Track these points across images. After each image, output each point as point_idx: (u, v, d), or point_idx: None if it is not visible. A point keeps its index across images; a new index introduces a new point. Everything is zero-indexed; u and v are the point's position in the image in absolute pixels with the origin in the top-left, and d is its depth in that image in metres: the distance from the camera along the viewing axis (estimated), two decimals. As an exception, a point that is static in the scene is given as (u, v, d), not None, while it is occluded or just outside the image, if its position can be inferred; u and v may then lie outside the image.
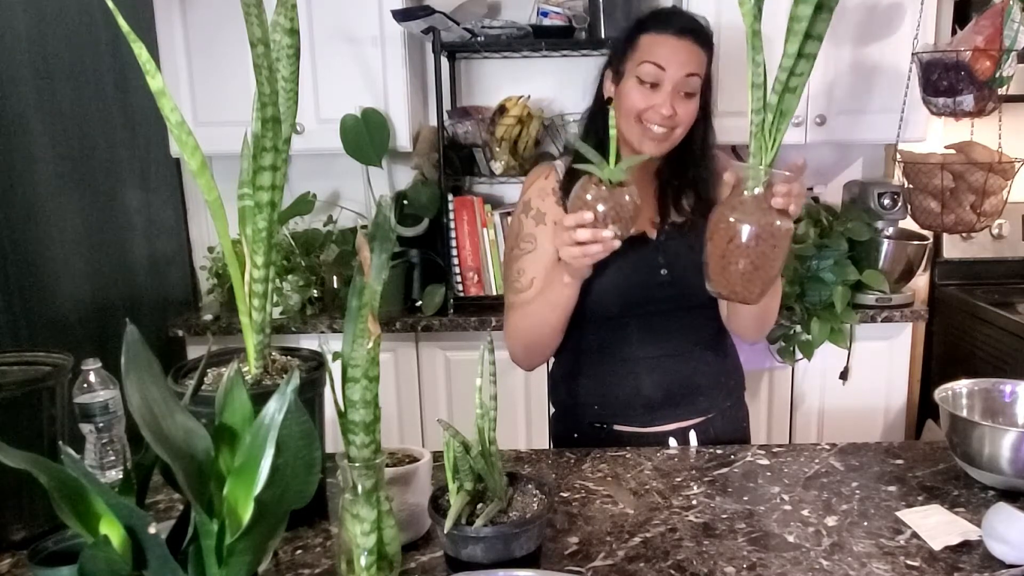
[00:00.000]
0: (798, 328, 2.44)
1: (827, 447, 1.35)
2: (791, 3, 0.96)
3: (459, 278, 2.59)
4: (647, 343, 1.42)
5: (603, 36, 2.43)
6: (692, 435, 1.45)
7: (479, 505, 0.97)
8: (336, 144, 2.49)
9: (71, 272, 2.18)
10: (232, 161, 1.12)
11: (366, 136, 2.50)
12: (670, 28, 1.31)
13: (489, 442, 0.97)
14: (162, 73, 1.18)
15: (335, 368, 0.80)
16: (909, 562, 1.01)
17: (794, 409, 2.61)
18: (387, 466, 1.00)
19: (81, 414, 1.05)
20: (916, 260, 2.54)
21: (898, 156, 2.49)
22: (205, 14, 2.47)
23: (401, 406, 2.57)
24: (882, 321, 2.49)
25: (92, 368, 1.06)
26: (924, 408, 2.86)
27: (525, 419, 2.58)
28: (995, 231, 2.76)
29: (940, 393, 1.28)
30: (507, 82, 2.76)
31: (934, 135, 2.64)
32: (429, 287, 2.55)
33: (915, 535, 1.07)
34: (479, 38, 2.47)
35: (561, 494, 1.20)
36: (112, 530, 0.67)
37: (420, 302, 2.55)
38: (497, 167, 2.57)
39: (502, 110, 2.52)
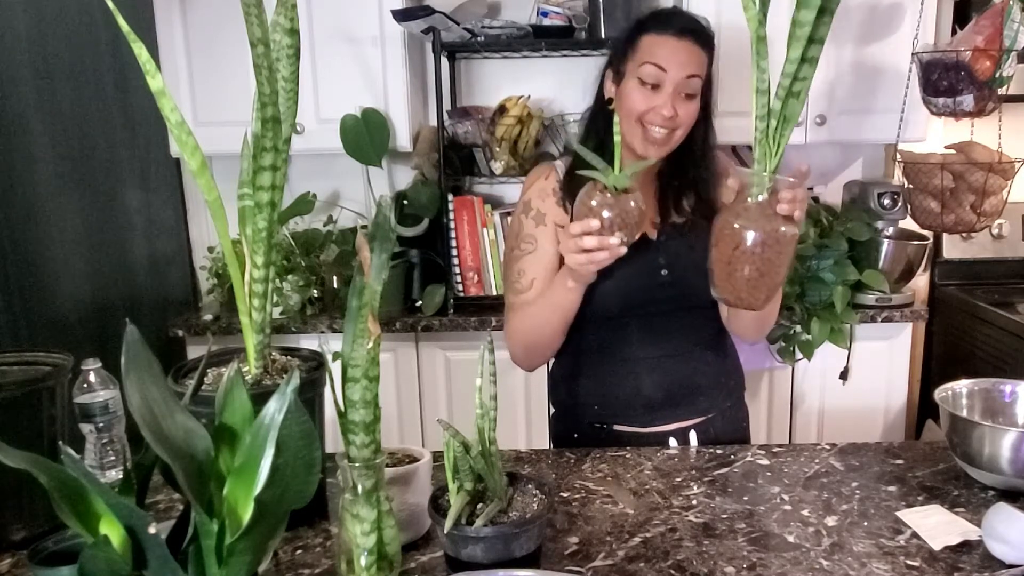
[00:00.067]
0: (798, 328, 2.44)
1: (827, 447, 1.35)
2: (792, 6, 0.96)
3: (459, 278, 2.59)
4: (647, 343, 1.42)
5: (603, 36, 2.43)
6: (692, 435, 1.45)
7: (479, 505, 0.97)
8: (336, 144, 2.49)
9: (71, 272, 2.18)
10: (232, 161, 1.12)
11: (366, 136, 2.50)
12: (671, 29, 1.31)
13: (489, 442, 0.97)
14: (162, 73, 1.18)
15: (335, 368, 0.80)
16: (909, 562, 1.01)
17: (794, 409, 2.61)
18: (387, 466, 1.00)
19: (81, 414, 1.05)
20: (916, 260, 2.54)
21: (898, 156, 2.49)
22: (205, 14, 2.47)
23: (401, 406, 2.57)
24: (882, 321, 2.49)
25: (92, 368, 1.06)
26: (924, 408, 2.86)
27: (525, 419, 2.58)
28: (995, 231, 2.76)
29: (940, 393, 1.28)
30: (507, 82, 2.76)
31: (934, 135, 2.64)
32: (429, 287, 2.55)
33: (915, 535, 1.07)
34: (479, 38, 2.47)
35: (561, 494, 1.20)
36: (112, 530, 0.67)
37: (420, 302, 2.55)
38: (497, 167, 2.57)
39: (502, 110, 2.52)
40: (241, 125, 1.01)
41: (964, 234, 2.66)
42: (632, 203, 1.13)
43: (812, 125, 2.52)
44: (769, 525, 1.10)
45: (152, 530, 0.67)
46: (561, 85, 2.74)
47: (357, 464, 0.79)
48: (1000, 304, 2.50)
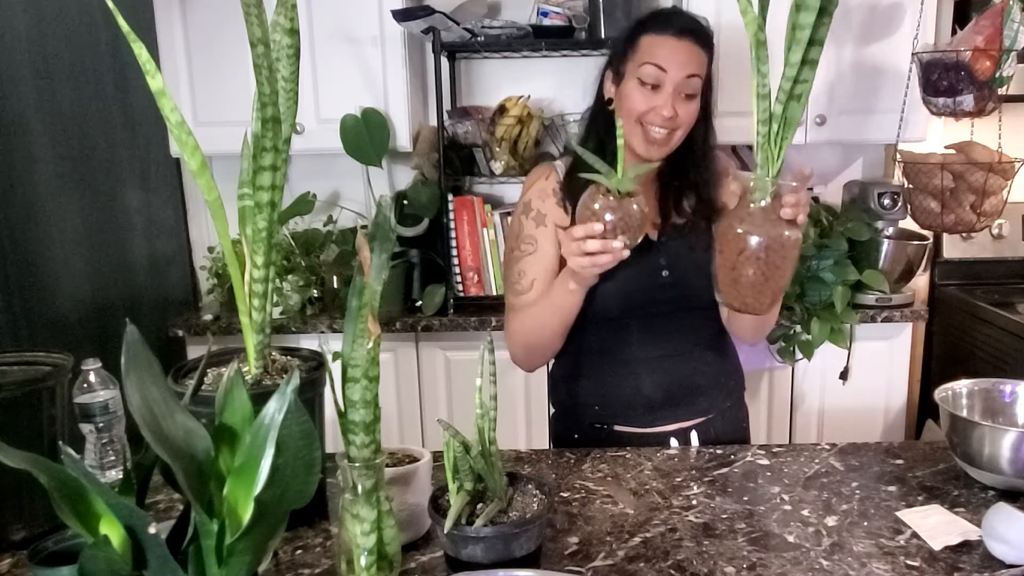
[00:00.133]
0: (798, 328, 2.44)
1: (827, 447, 1.35)
2: (790, 7, 0.96)
3: (459, 278, 2.59)
4: (647, 344, 1.42)
5: (603, 36, 2.43)
6: (693, 435, 1.45)
7: (479, 505, 0.97)
8: (336, 144, 2.49)
9: (71, 272, 2.18)
10: (232, 161, 1.12)
11: (366, 136, 2.50)
12: (670, 29, 1.31)
13: (489, 442, 0.97)
14: (162, 73, 1.18)
15: (335, 368, 0.80)
16: (909, 562, 1.01)
17: (794, 409, 2.61)
18: (387, 466, 1.00)
19: (81, 414, 1.05)
20: (916, 260, 2.54)
21: (898, 156, 2.49)
22: (205, 14, 2.47)
23: (401, 406, 2.57)
24: (882, 321, 2.49)
25: (92, 368, 1.06)
26: (924, 408, 2.86)
27: (525, 419, 2.58)
28: (995, 231, 2.76)
29: (940, 393, 1.28)
30: (507, 82, 2.76)
31: (934, 135, 2.64)
32: (429, 287, 2.55)
33: (915, 535, 1.07)
34: (479, 38, 2.47)
35: (561, 494, 1.20)
36: (112, 530, 0.67)
37: (420, 302, 2.55)
38: (497, 167, 2.57)
39: (502, 110, 2.52)
40: (241, 125, 1.01)
41: (964, 234, 2.66)
42: (635, 206, 1.13)
43: (812, 125, 2.52)
44: (769, 525, 1.10)
45: (152, 530, 0.67)
46: (561, 85, 2.74)
47: (357, 464, 0.79)
48: (1000, 304, 2.50)
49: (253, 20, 0.89)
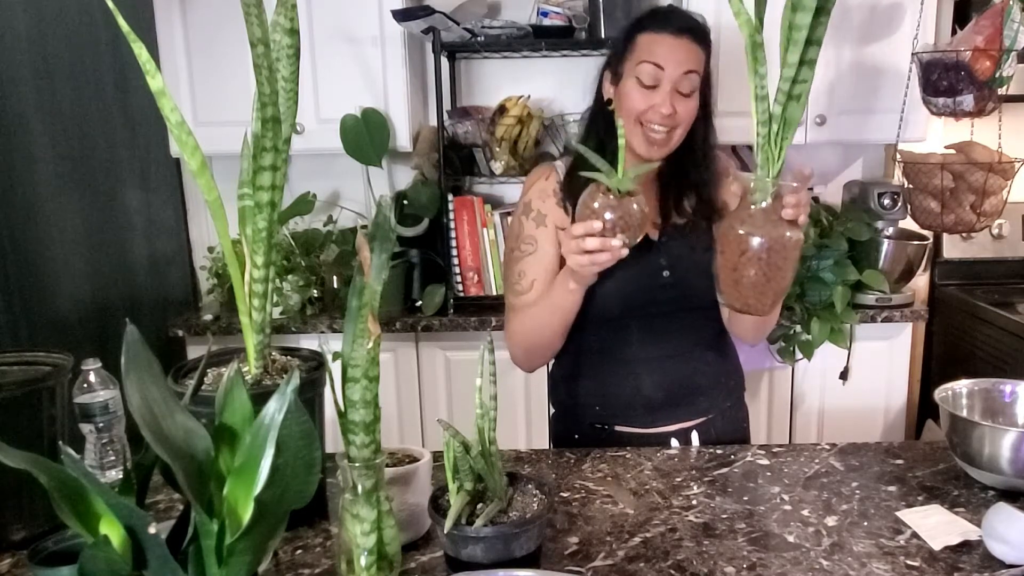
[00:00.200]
0: (798, 328, 2.44)
1: (827, 447, 1.35)
2: (784, 7, 0.95)
3: (459, 278, 2.59)
4: (648, 344, 1.42)
5: (603, 36, 2.43)
6: (694, 436, 1.45)
7: (479, 505, 0.97)
8: (336, 144, 2.49)
9: (71, 272, 2.18)
10: (232, 161, 1.12)
11: (366, 136, 2.50)
12: (667, 27, 1.31)
13: (489, 442, 0.97)
14: (162, 73, 1.18)
15: (335, 368, 0.80)
16: (909, 562, 1.01)
17: (794, 409, 2.61)
18: (387, 466, 1.00)
19: (81, 414, 1.05)
20: (916, 260, 2.54)
21: (898, 156, 2.49)
22: (205, 14, 2.47)
23: (401, 406, 2.57)
24: (882, 321, 2.49)
25: (92, 368, 1.06)
26: (924, 408, 2.86)
27: (525, 419, 2.58)
28: (995, 231, 2.76)
29: (940, 393, 1.28)
30: (507, 82, 2.76)
31: (934, 135, 2.64)
32: (429, 287, 2.55)
33: (915, 535, 1.07)
34: (479, 38, 2.47)
35: (561, 494, 1.20)
36: (112, 530, 0.67)
37: (420, 302, 2.55)
38: (497, 167, 2.57)
39: (502, 110, 2.52)
40: (241, 125, 1.01)
41: (964, 234, 2.66)
42: (635, 205, 1.13)
43: (812, 125, 2.52)
44: (769, 525, 1.10)
45: (152, 530, 0.67)
46: (561, 85, 2.74)
47: (357, 464, 0.79)
48: (1000, 304, 2.50)
49: (253, 20, 0.89)
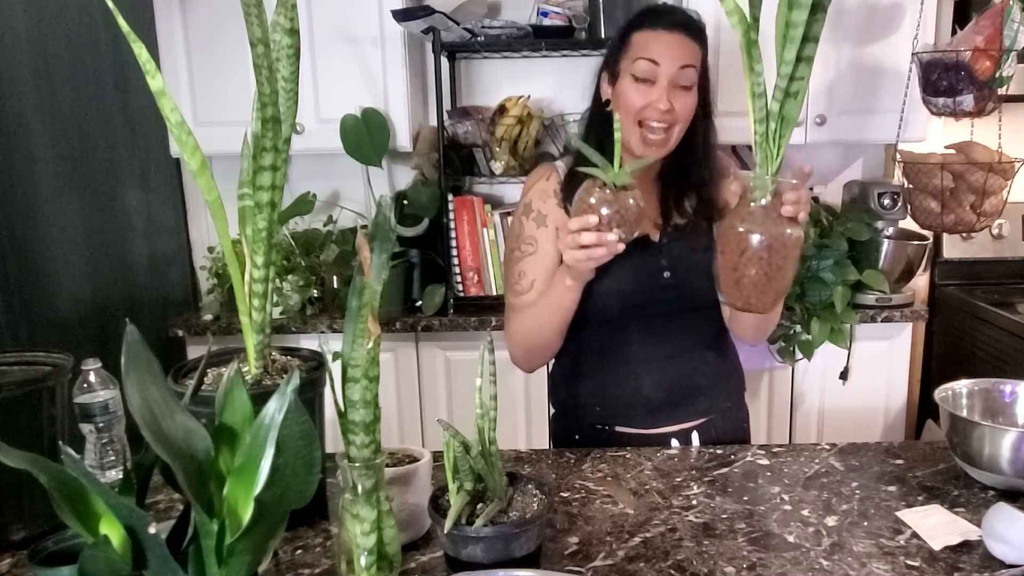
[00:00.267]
0: (798, 328, 2.44)
1: (827, 447, 1.35)
2: (779, 3, 0.95)
3: (459, 278, 2.59)
4: (648, 344, 1.42)
5: (603, 36, 2.43)
6: (694, 436, 1.45)
7: (479, 505, 0.97)
8: (336, 144, 2.49)
9: (71, 272, 2.18)
10: (232, 161, 1.12)
11: (366, 136, 2.50)
12: (661, 24, 1.31)
13: (489, 442, 0.97)
14: (162, 73, 1.18)
15: (335, 368, 0.80)
16: (909, 562, 1.01)
17: (794, 409, 2.61)
18: (387, 466, 1.00)
19: (81, 414, 1.05)
20: (916, 260, 2.54)
21: (898, 156, 2.49)
22: (205, 14, 2.47)
23: (401, 406, 2.57)
24: (882, 321, 2.49)
25: (92, 368, 1.06)
26: (924, 408, 2.86)
27: (525, 419, 2.58)
28: (995, 231, 2.76)
29: (940, 393, 1.28)
30: (507, 82, 2.76)
31: (934, 135, 2.64)
32: (429, 287, 2.55)
33: (915, 535, 1.07)
34: (479, 38, 2.47)
35: (561, 494, 1.20)
36: (112, 530, 0.67)
37: (420, 302, 2.55)
38: (497, 167, 2.57)
39: (502, 110, 2.52)
40: (241, 125, 1.01)
41: (964, 234, 2.66)
42: (631, 200, 1.13)
43: (812, 125, 2.52)
44: (769, 525, 1.10)
45: (152, 530, 0.67)
46: (561, 85, 2.74)
47: (357, 464, 0.79)
48: (1000, 304, 2.50)
49: (253, 20, 0.89)
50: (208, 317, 2.56)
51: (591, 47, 2.49)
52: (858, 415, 2.58)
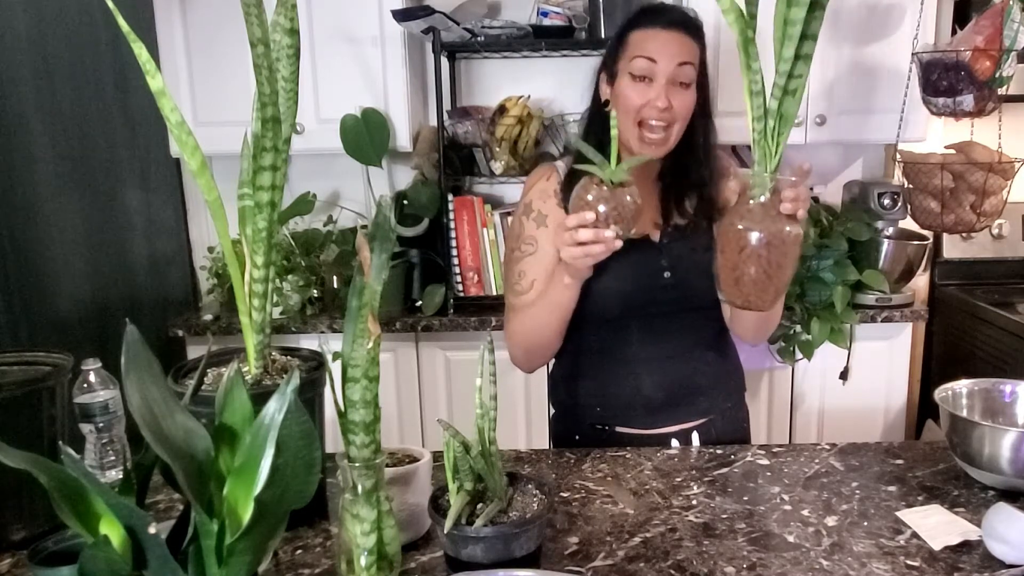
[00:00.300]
0: (798, 328, 2.44)
1: (827, 447, 1.35)
2: (782, 3, 0.95)
3: (459, 278, 2.59)
4: (648, 344, 1.42)
5: (603, 36, 2.43)
6: (695, 437, 1.44)
7: (479, 505, 0.97)
8: (336, 144, 2.49)
9: (71, 272, 2.18)
10: (232, 161, 1.12)
11: (366, 136, 2.50)
12: (658, 22, 1.31)
13: (489, 442, 0.97)
14: (162, 73, 1.18)
15: (335, 368, 0.80)
16: (909, 562, 1.01)
17: (794, 409, 2.61)
18: (387, 466, 1.00)
19: (81, 414, 1.05)
20: (916, 260, 2.54)
21: (898, 156, 2.49)
22: (205, 14, 2.47)
23: (401, 406, 2.57)
24: (882, 321, 2.49)
25: (92, 368, 1.06)
26: (924, 408, 2.86)
27: (525, 419, 2.58)
28: (995, 231, 2.76)
29: (940, 393, 1.28)
30: (507, 82, 2.76)
31: (934, 135, 2.64)
32: (429, 287, 2.55)
33: (915, 535, 1.07)
34: (479, 38, 2.47)
35: (561, 494, 1.20)
36: (112, 530, 0.67)
37: (420, 302, 2.55)
38: (497, 167, 2.57)
39: (502, 110, 2.52)
40: (241, 125, 1.01)
41: (964, 234, 2.66)
42: (628, 197, 1.13)
43: (812, 125, 2.52)
44: (769, 525, 1.10)
45: (152, 530, 0.67)
46: (561, 85, 2.74)
47: (357, 464, 0.79)
48: (1000, 304, 2.50)
49: (253, 20, 0.89)
50: (208, 317, 2.56)
51: (591, 47, 2.49)
52: (858, 415, 2.58)
